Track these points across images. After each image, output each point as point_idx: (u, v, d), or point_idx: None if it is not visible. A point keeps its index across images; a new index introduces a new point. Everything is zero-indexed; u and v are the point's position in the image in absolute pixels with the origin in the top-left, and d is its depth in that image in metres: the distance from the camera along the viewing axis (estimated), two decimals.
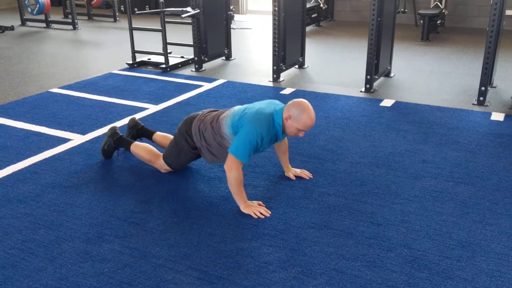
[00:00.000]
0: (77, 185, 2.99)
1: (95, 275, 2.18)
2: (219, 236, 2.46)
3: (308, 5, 7.13)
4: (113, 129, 3.32)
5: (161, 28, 5.63)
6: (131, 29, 5.87)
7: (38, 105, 4.52)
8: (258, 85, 5.18)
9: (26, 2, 8.53)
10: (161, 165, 3.10)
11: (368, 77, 4.86)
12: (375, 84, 5.05)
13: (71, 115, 4.25)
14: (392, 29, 5.29)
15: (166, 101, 4.63)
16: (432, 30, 7.74)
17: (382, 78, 5.36)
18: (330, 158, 3.35)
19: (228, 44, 6.26)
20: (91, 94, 4.86)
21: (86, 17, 9.80)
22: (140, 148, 3.19)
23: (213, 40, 5.88)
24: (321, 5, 8.76)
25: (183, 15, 5.41)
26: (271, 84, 5.21)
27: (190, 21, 5.67)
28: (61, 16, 9.86)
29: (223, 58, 6.34)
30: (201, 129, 2.89)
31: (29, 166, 3.25)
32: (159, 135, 3.37)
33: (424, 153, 3.42)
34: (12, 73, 5.73)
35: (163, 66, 5.75)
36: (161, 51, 5.78)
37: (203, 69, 5.82)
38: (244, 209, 2.66)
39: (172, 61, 5.91)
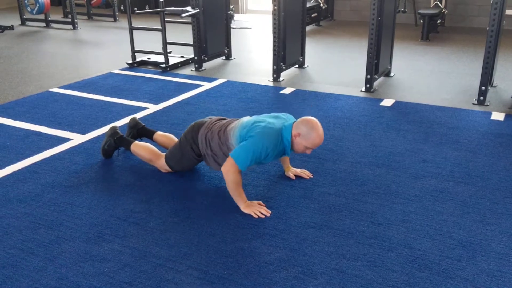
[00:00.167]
0: (77, 185, 2.99)
1: (95, 275, 2.18)
2: (219, 235, 2.46)
3: (308, 5, 7.13)
4: (114, 129, 3.32)
5: (161, 27, 5.63)
6: (131, 29, 5.87)
7: (38, 104, 4.52)
8: (258, 84, 5.18)
9: (26, 1, 8.53)
10: (162, 165, 3.09)
11: (368, 76, 4.86)
12: (375, 83, 5.05)
13: (71, 114, 4.24)
14: (392, 29, 5.29)
15: (166, 100, 4.63)
16: (432, 30, 7.74)
17: (382, 78, 5.36)
18: (330, 158, 3.35)
19: (228, 44, 6.26)
20: (91, 93, 4.85)
21: (86, 17, 9.79)
22: (141, 147, 3.18)
23: (213, 39, 5.88)
24: (321, 4, 8.75)
25: (183, 15, 5.41)
26: (271, 84, 5.21)
27: (190, 21, 5.66)
28: (61, 15, 9.86)
29: (223, 57, 6.33)
30: (208, 138, 2.87)
31: (29, 165, 3.25)
32: (160, 134, 3.37)
33: (424, 152, 3.42)
34: (12, 72, 5.73)
35: (163, 65, 5.75)
36: (161, 51, 5.78)
37: (203, 68, 5.82)
38: (244, 209, 2.66)
39: (172, 60, 5.91)
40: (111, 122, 4.02)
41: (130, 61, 5.96)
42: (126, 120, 4.07)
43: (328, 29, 8.63)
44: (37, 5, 8.38)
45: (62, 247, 2.38)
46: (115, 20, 9.46)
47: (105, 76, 5.54)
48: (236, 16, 9.43)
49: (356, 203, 2.76)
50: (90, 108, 4.41)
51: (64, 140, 3.68)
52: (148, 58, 6.05)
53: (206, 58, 5.83)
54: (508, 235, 2.45)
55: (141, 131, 3.43)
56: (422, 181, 3.01)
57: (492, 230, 2.49)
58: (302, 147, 2.68)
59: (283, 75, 5.45)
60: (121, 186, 2.97)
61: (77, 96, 4.79)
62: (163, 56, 5.79)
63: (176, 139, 3.31)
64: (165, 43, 5.68)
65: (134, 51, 5.93)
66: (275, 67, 5.26)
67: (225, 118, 3.02)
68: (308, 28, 7.83)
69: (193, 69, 5.78)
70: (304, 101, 4.59)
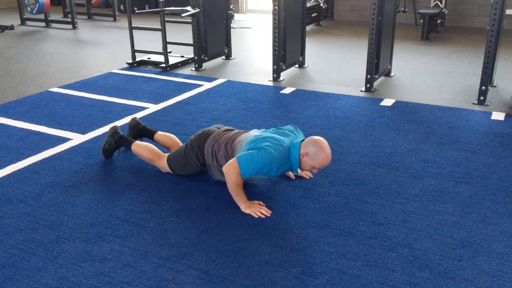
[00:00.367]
0: (77, 185, 2.98)
1: (96, 275, 2.17)
2: (219, 235, 2.46)
3: (308, 5, 7.13)
4: (114, 129, 3.32)
5: (161, 27, 5.62)
6: (131, 28, 5.86)
7: (37, 104, 4.52)
8: (258, 84, 5.18)
9: (26, 1, 8.53)
10: (163, 166, 3.09)
11: (369, 76, 4.86)
12: (376, 83, 5.05)
13: (71, 114, 4.24)
14: (392, 29, 5.28)
15: (166, 100, 4.63)
16: (432, 30, 7.74)
17: (382, 78, 5.36)
18: None
19: (228, 44, 6.25)
20: (91, 93, 4.85)
21: (85, 17, 9.79)
22: (141, 147, 3.18)
23: (213, 39, 5.87)
24: (321, 4, 8.75)
25: (183, 14, 5.40)
26: (271, 84, 5.20)
27: (190, 20, 5.66)
28: (61, 15, 9.86)
29: (223, 57, 6.33)
30: (214, 149, 2.86)
31: (29, 165, 3.24)
32: (161, 134, 3.36)
33: (425, 152, 3.42)
34: (12, 72, 5.73)
35: (163, 65, 5.75)
36: (161, 50, 5.78)
37: (203, 68, 5.81)
38: (244, 209, 2.65)
39: (172, 60, 5.90)
40: (111, 122, 4.02)
41: (130, 61, 5.96)
42: (126, 120, 4.07)
43: (328, 29, 8.62)
44: (37, 5, 8.38)
45: (62, 247, 2.37)
46: (115, 20, 9.46)
47: (105, 76, 5.53)
48: (236, 16, 9.44)
49: (356, 203, 2.76)
50: (90, 108, 4.40)
51: (64, 140, 3.68)
52: (148, 58, 6.05)
53: (206, 58, 5.83)
54: (509, 235, 2.44)
55: (141, 131, 3.42)
56: (422, 181, 3.01)
57: (492, 230, 2.48)
58: (309, 166, 2.69)
59: (283, 75, 5.45)
60: (121, 186, 2.97)
61: (77, 96, 4.78)
62: (163, 56, 5.79)
63: (177, 139, 3.31)
64: (165, 43, 5.68)
65: (134, 51, 5.93)
66: (275, 67, 5.25)
67: (232, 129, 3.00)
68: (308, 28, 7.84)
69: (193, 69, 5.78)
70: (304, 101, 4.58)
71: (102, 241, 2.42)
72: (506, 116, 4.13)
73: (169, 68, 5.75)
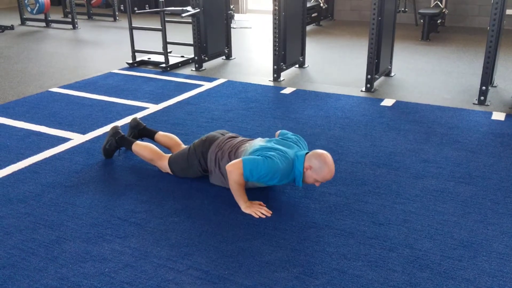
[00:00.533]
0: (77, 185, 2.98)
1: (96, 275, 2.17)
2: (220, 235, 2.46)
3: (308, 5, 7.12)
4: (115, 129, 3.32)
5: (161, 27, 5.62)
6: (131, 29, 5.86)
7: (38, 104, 4.52)
8: (259, 84, 5.18)
9: (26, 1, 8.53)
10: (164, 166, 3.08)
11: (369, 76, 4.86)
12: (376, 83, 5.05)
13: (71, 114, 4.24)
14: (392, 29, 5.28)
15: (166, 100, 4.63)
16: (433, 30, 7.74)
17: (382, 78, 5.36)
18: None
19: (228, 44, 6.25)
20: (91, 93, 4.85)
21: (85, 17, 9.79)
22: (142, 147, 3.18)
23: (213, 39, 5.87)
24: (321, 4, 8.75)
25: (183, 14, 5.40)
26: (271, 84, 5.20)
27: (190, 21, 5.66)
28: (61, 15, 9.86)
29: (223, 57, 6.33)
30: (218, 157, 2.85)
31: (29, 165, 3.24)
32: (161, 134, 3.36)
33: (425, 152, 3.42)
34: (12, 72, 5.73)
35: (163, 65, 5.75)
36: (161, 51, 5.77)
37: (203, 68, 5.81)
38: (245, 209, 2.65)
39: (172, 60, 5.90)
40: (111, 122, 4.02)
41: (130, 61, 5.96)
42: (126, 120, 4.07)
43: (328, 29, 8.62)
44: (37, 5, 8.37)
45: (62, 247, 2.37)
46: (115, 20, 9.46)
47: (105, 76, 5.53)
48: (236, 16, 9.43)
49: (357, 203, 2.76)
50: (90, 108, 4.40)
51: (64, 140, 3.68)
52: (148, 58, 6.05)
53: (206, 58, 5.83)
54: (509, 235, 2.44)
55: (142, 131, 3.42)
56: (423, 181, 3.01)
57: (493, 230, 2.48)
58: (312, 180, 2.68)
59: (284, 75, 5.45)
60: (121, 186, 2.97)
61: (77, 96, 4.78)
62: (163, 56, 5.79)
63: (177, 139, 3.31)
64: (165, 43, 5.68)
65: (134, 51, 5.93)
66: (275, 67, 5.25)
67: (237, 135, 2.99)
68: (308, 28, 7.83)
69: (193, 69, 5.78)
70: (305, 101, 4.58)
71: (102, 241, 2.42)
72: (506, 116, 4.13)
73: (169, 68, 5.75)
